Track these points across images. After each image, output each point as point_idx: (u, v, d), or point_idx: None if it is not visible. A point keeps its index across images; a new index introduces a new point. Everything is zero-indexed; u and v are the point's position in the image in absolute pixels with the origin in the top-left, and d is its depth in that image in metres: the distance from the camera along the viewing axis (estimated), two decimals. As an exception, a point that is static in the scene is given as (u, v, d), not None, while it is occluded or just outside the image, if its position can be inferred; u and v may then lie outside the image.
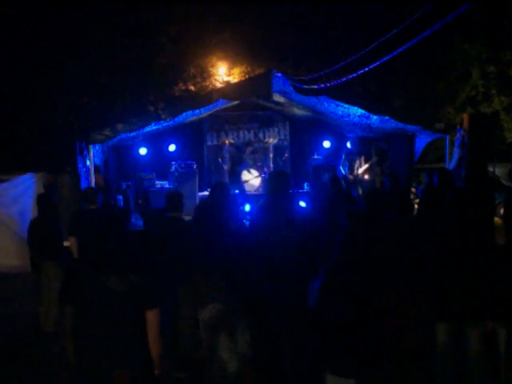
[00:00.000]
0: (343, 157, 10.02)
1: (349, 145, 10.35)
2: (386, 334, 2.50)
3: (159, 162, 10.64)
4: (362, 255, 2.65)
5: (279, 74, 7.50)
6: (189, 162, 9.93)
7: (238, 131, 11.22)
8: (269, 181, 3.71)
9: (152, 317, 2.40)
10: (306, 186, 10.41)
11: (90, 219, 4.91)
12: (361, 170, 9.79)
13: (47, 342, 4.77)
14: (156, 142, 10.53)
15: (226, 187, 4.36)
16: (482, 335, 3.12)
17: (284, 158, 11.09)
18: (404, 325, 2.58)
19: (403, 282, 2.66)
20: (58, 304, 4.18)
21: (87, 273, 2.57)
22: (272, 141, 10.79)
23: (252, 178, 10.00)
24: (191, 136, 11.03)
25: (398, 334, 2.55)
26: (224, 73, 9.39)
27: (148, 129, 8.80)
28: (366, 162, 9.90)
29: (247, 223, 4.55)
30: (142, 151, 10.39)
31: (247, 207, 8.34)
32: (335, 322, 2.45)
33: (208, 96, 8.51)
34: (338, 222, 3.67)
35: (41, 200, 5.27)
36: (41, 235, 5.10)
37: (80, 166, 7.36)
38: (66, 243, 5.23)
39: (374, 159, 9.72)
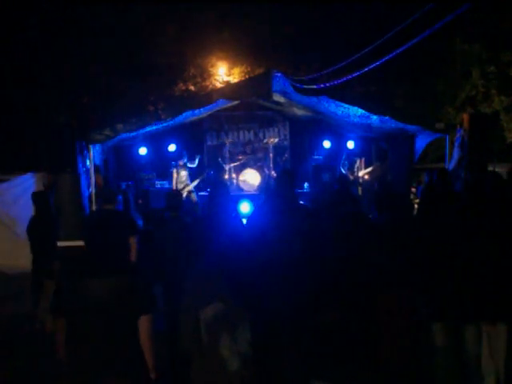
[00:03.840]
0: (344, 156, 10.03)
1: (350, 145, 10.36)
2: (375, 338, 2.50)
3: (159, 162, 10.65)
4: (354, 257, 2.65)
5: (279, 74, 7.49)
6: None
7: (238, 131, 11.22)
8: (276, 179, 3.75)
9: (143, 323, 2.30)
10: (306, 186, 10.41)
11: (101, 220, 4.87)
12: (362, 173, 9.81)
13: (46, 342, 4.77)
14: (156, 142, 10.52)
15: (224, 187, 4.33)
16: (479, 336, 3.13)
17: (284, 158, 11.08)
18: (392, 329, 2.58)
19: (396, 284, 2.65)
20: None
21: (69, 279, 2.50)
22: (272, 141, 10.79)
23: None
24: (191, 136, 11.02)
25: (386, 337, 2.55)
26: (224, 73, 9.39)
27: (148, 129, 8.79)
28: (366, 165, 9.92)
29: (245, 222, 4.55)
30: (142, 151, 10.39)
31: (245, 207, 8.33)
32: (323, 325, 2.44)
33: (208, 96, 8.50)
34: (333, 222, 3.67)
35: (37, 198, 5.25)
36: (39, 234, 5.09)
37: (80, 165, 7.34)
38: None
39: (377, 164, 9.76)
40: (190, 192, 9.30)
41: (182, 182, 9.30)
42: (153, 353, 2.40)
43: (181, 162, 9.32)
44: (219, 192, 4.04)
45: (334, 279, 2.60)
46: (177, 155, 9.86)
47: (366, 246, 2.72)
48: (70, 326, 2.43)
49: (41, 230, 5.12)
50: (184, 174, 9.33)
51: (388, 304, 2.54)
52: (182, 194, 4.67)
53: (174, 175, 9.28)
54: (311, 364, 3.42)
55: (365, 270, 2.58)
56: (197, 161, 9.80)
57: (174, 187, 9.19)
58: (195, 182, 9.50)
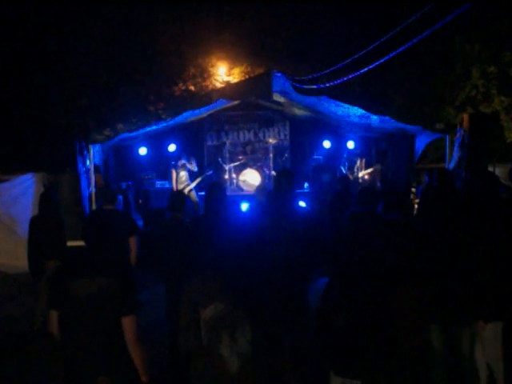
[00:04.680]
0: (345, 156, 10.05)
1: (350, 145, 10.38)
2: (390, 335, 2.50)
3: (159, 161, 10.67)
4: (364, 257, 2.65)
5: (279, 74, 7.50)
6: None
7: (237, 131, 11.24)
8: (274, 179, 3.75)
9: (126, 324, 2.26)
10: (306, 186, 10.42)
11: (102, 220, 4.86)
12: (361, 173, 9.83)
13: (46, 342, 4.76)
14: (156, 142, 10.54)
15: (221, 187, 4.33)
16: (474, 336, 3.14)
17: (284, 158, 11.09)
18: (407, 326, 2.58)
19: (406, 284, 2.66)
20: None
21: (55, 277, 2.50)
22: (272, 141, 10.81)
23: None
24: (191, 136, 11.04)
25: (401, 335, 2.55)
26: (224, 73, 9.37)
27: (148, 129, 8.81)
28: (366, 166, 9.94)
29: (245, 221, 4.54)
30: (142, 151, 10.40)
31: (244, 207, 8.33)
32: (339, 323, 2.45)
33: (208, 96, 8.52)
34: (341, 223, 3.67)
35: (42, 199, 5.26)
36: (42, 234, 5.09)
37: (80, 165, 7.36)
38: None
39: (378, 166, 9.77)
40: (190, 191, 9.30)
41: (182, 182, 9.31)
42: (141, 356, 2.36)
43: (180, 163, 9.32)
44: (215, 192, 4.04)
45: (339, 281, 2.61)
46: (177, 155, 9.86)
47: (375, 246, 2.72)
48: (60, 324, 2.44)
49: (45, 229, 5.11)
50: (183, 174, 9.33)
51: (399, 303, 2.54)
52: (184, 195, 4.67)
53: (173, 175, 9.28)
54: (314, 365, 3.42)
55: (375, 270, 2.59)
56: (194, 164, 9.65)
57: (174, 187, 9.19)
58: (196, 182, 9.50)
